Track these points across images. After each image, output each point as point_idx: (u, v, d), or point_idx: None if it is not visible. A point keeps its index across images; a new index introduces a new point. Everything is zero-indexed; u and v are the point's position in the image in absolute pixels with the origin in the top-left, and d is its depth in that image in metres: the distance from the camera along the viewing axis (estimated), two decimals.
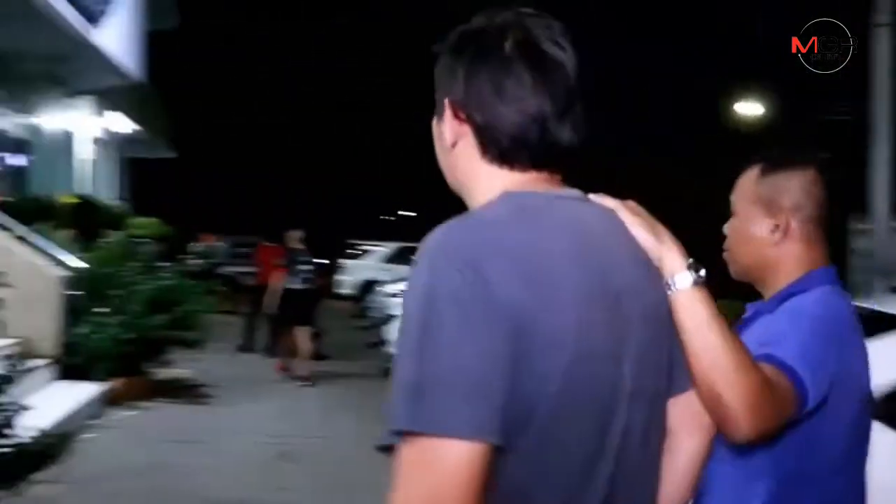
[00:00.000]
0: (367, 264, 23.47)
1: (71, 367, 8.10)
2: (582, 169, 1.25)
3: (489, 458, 0.96)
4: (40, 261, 8.54)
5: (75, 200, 11.39)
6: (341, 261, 25.41)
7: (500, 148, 1.16)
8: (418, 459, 0.95)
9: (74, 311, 8.33)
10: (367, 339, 14.39)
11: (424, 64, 1.29)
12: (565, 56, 1.16)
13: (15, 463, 3.36)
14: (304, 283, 10.89)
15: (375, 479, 1.73)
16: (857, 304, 2.10)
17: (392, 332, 9.51)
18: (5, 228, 8.86)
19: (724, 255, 1.73)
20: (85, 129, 19.65)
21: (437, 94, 1.23)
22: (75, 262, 8.79)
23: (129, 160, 24.66)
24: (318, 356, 11.57)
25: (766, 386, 1.30)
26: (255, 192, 36.55)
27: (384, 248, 24.20)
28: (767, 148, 1.73)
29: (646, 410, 1.15)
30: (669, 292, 1.25)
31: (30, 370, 6.91)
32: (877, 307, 3.86)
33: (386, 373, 8.97)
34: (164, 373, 9.28)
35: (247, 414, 8.42)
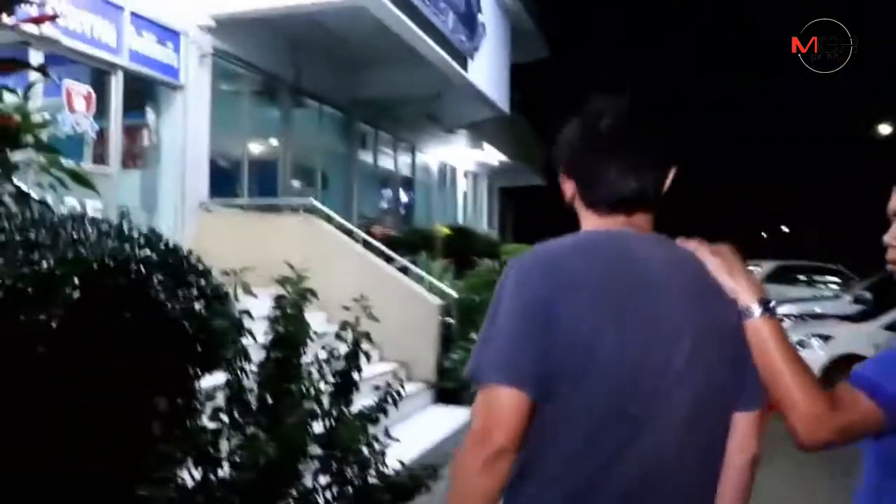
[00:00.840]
0: None
1: (444, 391, 8.43)
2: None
3: (526, 403, 1.43)
4: (420, 289, 9.08)
5: (449, 231, 12.06)
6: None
7: (587, 200, 1.63)
8: (484, 397, 1.46)
9: (448, 337, 8.69)
10: None
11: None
12: (635, 132, 1.60)
13: (387, 495, 3.32)
14: None
15: None
16: None
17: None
18: (390, 260, 9.59)
19: (888, 266, 1.78)
20: (460, 162, 21.10)
21: (558, 158, 1.70)
22: (449, 289, 9.20)
23: (501, 189, 26.01)
24: None
25: (826, 403, 1.48)
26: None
27: (761, 267, 22.49)
28: None
29: (690, 395, 1.48)
30: (745, 321, 1.53)
31: (409, 394, 7.28)
32: None
33: None
34: None
35: None
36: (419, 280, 9.39)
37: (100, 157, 8.58)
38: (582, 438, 1.46)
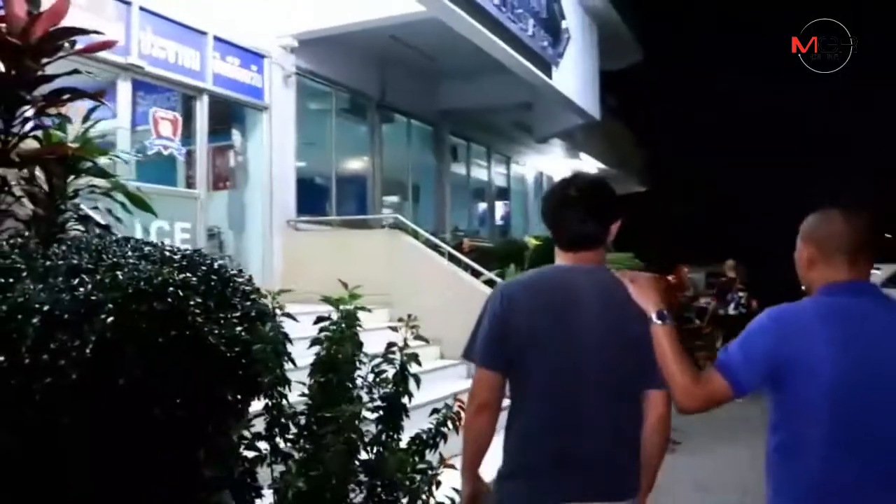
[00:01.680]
0: None
1: None
2: None
3: (496, 378, 2.35)
4: None
5: (538, 242, 11.75)
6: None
7: (556, 242, 2.46)
8: (476, 374, 2.40)
9: None
10: None
11: None
12: (584, 196, 2.39)
13: None
14: (736, 309, 11.79)
15: None
16: None
17: None
18: (478, 274, 9.39)
19: None
20: (556, 171, 20.73)
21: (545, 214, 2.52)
22: None
23: None
24: None
25: (696, 381, 2.16)
26: (730, 220, 34.74)
27: (880, 272, 21.14)
28: None
29: (604, 379, 2.30)
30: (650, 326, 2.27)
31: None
32: None
33: None
34: None
35: (716, 463, 7.50)
36: None
37: (188, 180, 8.77)
38: (534, 403, 2.34)
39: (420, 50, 11.17)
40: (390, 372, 3.29)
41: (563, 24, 11.38)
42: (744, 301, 11.84)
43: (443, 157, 14.59)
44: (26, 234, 3.77)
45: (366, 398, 3.29)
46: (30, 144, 4.01)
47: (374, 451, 3.12)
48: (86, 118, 4.15)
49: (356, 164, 12.34)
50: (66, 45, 4.07)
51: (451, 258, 9.26)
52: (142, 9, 7.82)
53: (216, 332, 3.09)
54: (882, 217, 2.39)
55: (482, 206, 17.03)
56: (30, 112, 3.81)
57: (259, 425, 3.10)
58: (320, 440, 2.99)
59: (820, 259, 2.15)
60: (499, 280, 9.41)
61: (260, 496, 2.87)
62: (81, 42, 4.29)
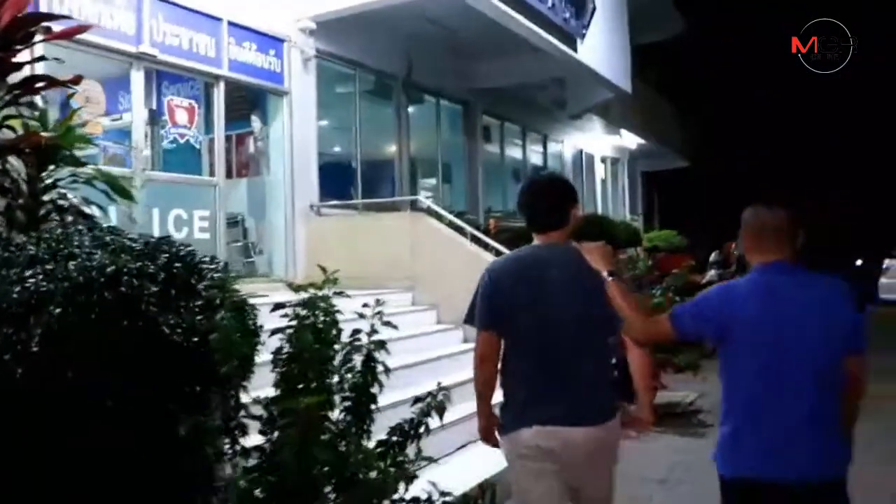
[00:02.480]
0: None
1: None
2: None
3: (493, 337, 3.06)
4: None
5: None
6: (889, 262, 22.08)
7: (530, 227, 3.15)
8: (478, 336, 3.10)
9: None
10: None
11: None
12: (549, 191, 3.16)
13: None
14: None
15: None
16: None
17: None
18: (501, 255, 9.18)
19: None
20: (596, 148, 20.34)
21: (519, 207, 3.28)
22: None
23: (644, 174, 24.91)
24: None
25: (647, 321, 2.89)
26: (780, 194, 33.66)
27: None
28: None
29: (577, 331, 2.98)
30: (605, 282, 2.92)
31: None
32: None
33: None
34: (658, 398, 8.55)
35: None
36: None
37: (210, 168, 8.74)
38: (524, 351, 3.01)
39: (445, 26, 10.93)
40: (360, 361, 3.13)
41: None
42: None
43: (475, 136, 14.35)
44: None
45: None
46: (7, 135, 3.97)
47: (343, 444, 2.97)
48: (67, 107, 4.08)
49: (382, 147, 12.20)
50: (40, 32, 4.01)
51: (475, 240, 9.07)
52: None
53: (172, 321, 2.99)
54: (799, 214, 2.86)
55: (517, 186, 16.72)
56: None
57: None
58: (281, 433, 2.87)
59: (753, 245, 2.84)
60: None
61: (215, 494, 2.76)
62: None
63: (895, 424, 7.22)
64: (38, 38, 3.98)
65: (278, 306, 3.02)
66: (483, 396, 3.15)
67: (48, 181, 4.00)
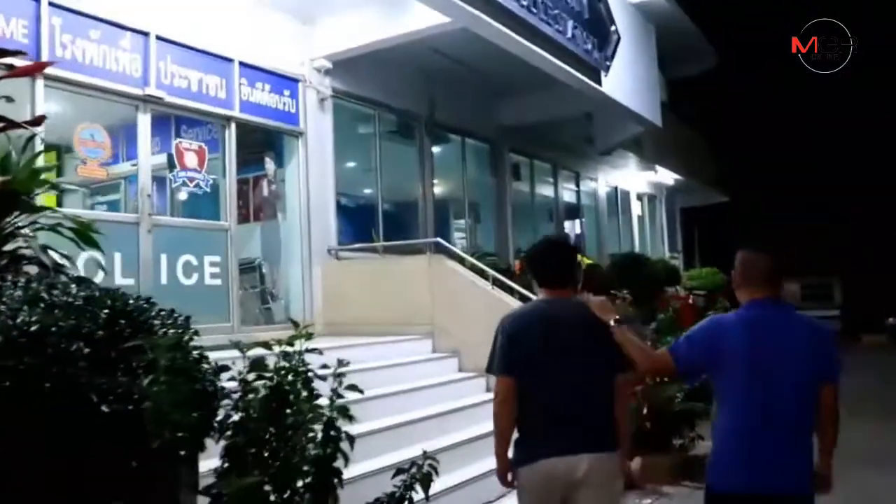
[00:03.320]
0: None
1: None
2: None
3: (512, 382, 3.32)
4: None
5: (590, 261, 11.04)
6: None
7: (539, 283, 3.56)
8: (497, 381, 3.39)
9: None
10: None
11: None
12: (559, 255, 3.57)
13: None
14: None
15: None
16: None
17: None
18: (525, 299, 8.72)
19: None
20: (631, 185, 19.84)
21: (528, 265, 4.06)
22: None
23: (682, 210, 24.26)
24: None
25: (651, 359, 3.29)
26: (827, 228, 32.42)
27: None
28: None
29: (584, 372, 3.29)
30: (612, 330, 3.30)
31: None
32: None
33: None
34: (693, 449, 7.93)
35: None
36: None
37: (219, 212, 8.49)
38: (537, 394, 3.30)
39: (466, 63, 10.65)
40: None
41: (612, 27, 10.63)
42: None
43: (503, 175, 13.98)
44: None
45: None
46: None
47: None
48: (24, 147, 3.79)
49: (405, 188, 11.87)
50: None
51: (497, 283, 8.63)
52: (159, 38, 7.58)
53: (105, 387, 2.63)
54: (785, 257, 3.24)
55: (549, 225, 16.25)
56: None
57: None
58: None
59: (743, 283, 3.20)
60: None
61: None
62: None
63: None
64: None
65: (222, 368, 2.63)
66: (501, 438, 3.39)
67: (8, 229, 3.70)
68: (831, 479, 3.11)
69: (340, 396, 2.72)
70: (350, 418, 2.69)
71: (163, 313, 3.15)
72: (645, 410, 7.25)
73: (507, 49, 8.51)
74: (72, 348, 2.59)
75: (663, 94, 17.71)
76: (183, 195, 8.38)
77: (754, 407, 2.97)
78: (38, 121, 3.74)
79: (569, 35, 9.21)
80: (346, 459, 2.71)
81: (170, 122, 8.47)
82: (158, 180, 8.06)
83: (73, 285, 3.14)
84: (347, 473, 3.02)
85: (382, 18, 8.83)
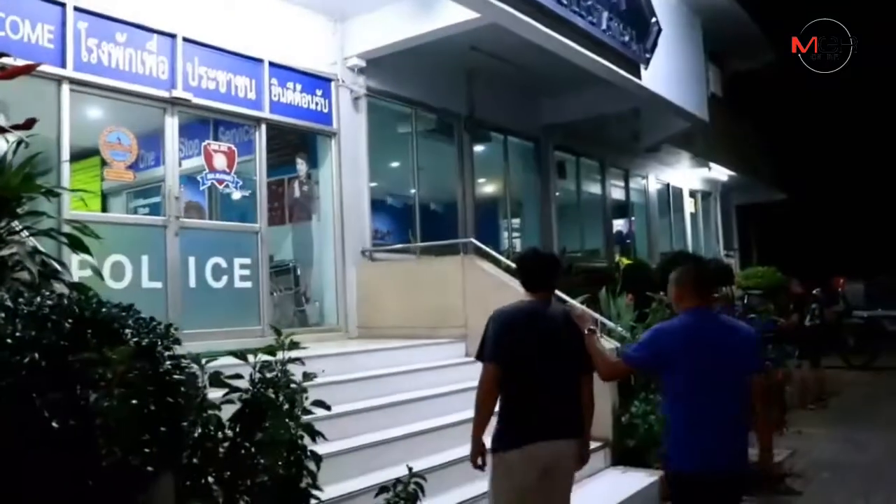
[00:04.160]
0: None
1: (623, 451, 7.14)
2: None
3: (499, 371, 3.78)
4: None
5: (628, 261, 10.67)
6: None
7: (525, 287, 4.07)
8: (484, 368, 3.83)
9: (626, 387, 7.39)
10: None
11: None
12: (547, 265, 4.12)
13: None
14: (811, 321, 12.26)
15: None
16: None
17: None
18: (560, 301, 8.46)
19: None
20: (684, 182, 19.29)
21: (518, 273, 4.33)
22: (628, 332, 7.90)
23: (738, 208, 23.53)
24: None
25: (610, 365, 3.91)
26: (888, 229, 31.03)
27: None
28: None
29: (560, 368, 3.83)
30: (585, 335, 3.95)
31: None
32: None
33: None
34: None
35: None
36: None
37: (249, 214, 8.42)
38: (518, 385, 3.78)
39: (506, 59, 10.39)
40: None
41: (653, 18, 10.23)
42: (817, 312, 12.53)
43: (547, 174, 13.67)
44: None
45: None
46: None
47: None
48: (16, 150, 3.71)
49: (444, 187, 11.68)
50: None
51: None
52: (186, 39, 7.54)
53: (62, 403, 2.49)
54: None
55: (597, 223, 15.86)
56: None
57: None
58: None
59: (681, 295, 3.80)
60: (574, 304, 8.46)
61: None
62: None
63: None
64: None
65: (215, 378, 2.47)
66: (478, 424, 3.86)
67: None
68: (772, 455, 3.88)
69: (308, 412, 2.54)
70: (314, 437, 2.50)
71: (140, 321, 3.01)
72: None
73: (538, 43, 8.24)
74: (24, 360, 2.46)
75: (717, 88, 17.17)
76: (215, 197, 8.34)
77: (700, 399, 3.58)
78: (28, 124, 3.65)
79: (603, 27, 8.88)
80: (314, 480, 2.53)
81: (208, 125, 8.46)
82: (190, 182, 8.03)
83: (48, 293, 3.04)
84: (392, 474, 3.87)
85: (415, 15, 8.65)
